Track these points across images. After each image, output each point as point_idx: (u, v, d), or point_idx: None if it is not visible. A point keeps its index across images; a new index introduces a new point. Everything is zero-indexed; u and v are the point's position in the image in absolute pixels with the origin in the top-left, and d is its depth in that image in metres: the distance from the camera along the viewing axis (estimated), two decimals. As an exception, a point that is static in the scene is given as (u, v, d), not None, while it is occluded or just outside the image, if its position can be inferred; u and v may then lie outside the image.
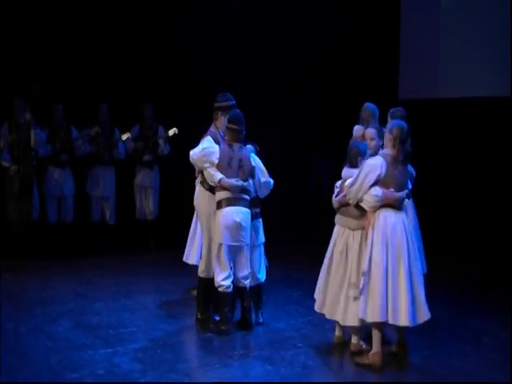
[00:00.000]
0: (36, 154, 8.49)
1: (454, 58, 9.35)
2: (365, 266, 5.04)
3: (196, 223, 6.43)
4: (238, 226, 5.70)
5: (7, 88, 8.56)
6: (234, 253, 5.78)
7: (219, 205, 5.75)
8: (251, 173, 5.81)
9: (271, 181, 5.91)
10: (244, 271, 5.81)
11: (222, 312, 5.79)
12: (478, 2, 9.20)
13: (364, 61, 10.08)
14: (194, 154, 5.82)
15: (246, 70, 9.73)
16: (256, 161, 5.86)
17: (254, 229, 5.91)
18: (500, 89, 8.72)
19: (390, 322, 4.99)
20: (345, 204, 5.28)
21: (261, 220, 6.07)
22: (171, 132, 8.76)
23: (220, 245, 5.75)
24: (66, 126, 8.91)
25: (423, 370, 5.11)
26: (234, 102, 5.96)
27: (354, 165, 5.32)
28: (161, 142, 9.13)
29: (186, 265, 6.63)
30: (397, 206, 5.10)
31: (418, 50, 9.78)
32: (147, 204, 9.38)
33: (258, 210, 6.00)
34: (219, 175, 5.72)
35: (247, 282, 5.86)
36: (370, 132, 5.67)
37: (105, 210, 9.29)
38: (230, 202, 5.72)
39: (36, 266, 8.11)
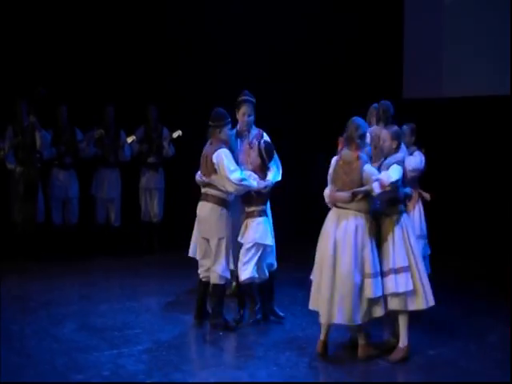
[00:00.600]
0: (41, 156, 8.55)
1: (458, 56, 9.35)
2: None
3: None
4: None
5: (11, 90, 8.61)
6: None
7: (251, 214, 5.87)
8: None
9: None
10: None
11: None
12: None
13: (368, 60, 10.09)
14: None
15: (252, 71, 9.75)
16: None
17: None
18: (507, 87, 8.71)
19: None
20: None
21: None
22: (176, 134, 8.87)
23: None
24: (70, 128, 8.95)
25: (427, 369, 5.14)
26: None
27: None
28: (165, 143, 9.17)
29: (191, 266, 6.61)
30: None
31: (422, 48, 9.78)
32: (152, 206, 9.41)
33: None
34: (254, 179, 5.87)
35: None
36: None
37: (110, 212, 9.30)
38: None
39: (41, 268, 8.14)
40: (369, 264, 5.02)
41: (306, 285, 6.23)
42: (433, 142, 8.02)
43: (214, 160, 5.67)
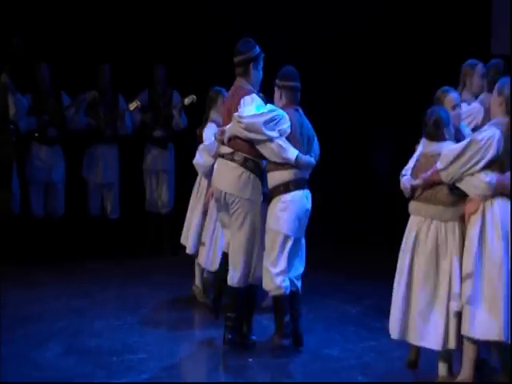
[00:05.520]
0: (16, 127, 8.57)
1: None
2: (470, 267, 5.06)
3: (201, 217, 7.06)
4: (307, 215, 5.98)
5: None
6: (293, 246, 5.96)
7: (286, 188, 5.89)
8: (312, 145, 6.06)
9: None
10: (299, 269, 6.00)
11: (281, 321, 5.91)
12: None
13: (453, 13, 10.04)
14: (253, 116, 5.78)
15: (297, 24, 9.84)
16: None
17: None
18: None
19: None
20: (430, 186, 5.25)
21: None
22: (188, 100, 8.84)
23: (286, 238, 5.90)
24: (54, 92, 9.02)
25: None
26: (259, 47, 6.10)
27: (437, 137, 5.32)
28: (175, 112, 9.24)
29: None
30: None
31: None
32: (160, 193, 9.52)
33: None
34: (295, 150, 5.86)
35: (300, 283, 6.03)
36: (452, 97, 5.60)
37: (105, 201, 9.41)
38: (300, 184, 5.93)
39: (17, 273, 8.17)
40: None
41: (361, 299, 6.40)
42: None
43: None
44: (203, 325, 6.78)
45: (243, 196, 5.85)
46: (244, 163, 5.84)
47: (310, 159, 5.95)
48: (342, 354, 6.01)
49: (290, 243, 5.88)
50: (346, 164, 10.14)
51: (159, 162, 9.44)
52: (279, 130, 5.78)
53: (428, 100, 5.64)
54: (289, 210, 5.87)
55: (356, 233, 9.98)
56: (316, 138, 6.11)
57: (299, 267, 6.00)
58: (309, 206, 5.96)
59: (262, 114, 5.75)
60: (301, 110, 6.03)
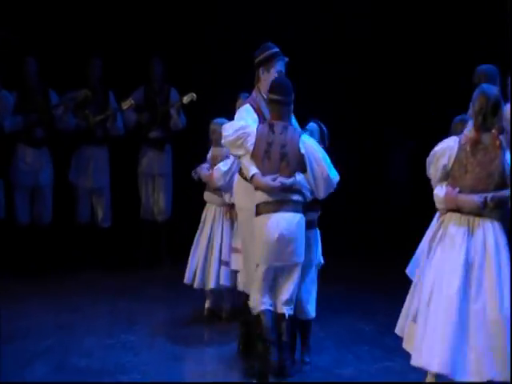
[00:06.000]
0: (0, 127, 8.52)
1: None
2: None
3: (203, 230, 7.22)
4: (283, 240, 5.72)
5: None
6: (277, 273, 5.85)
7: (257, 210, 5.82)
8: (301, 164, 5.78)
9: (335, 176, 5.87)
10: (286, 294, 5.85)
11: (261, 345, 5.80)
12: None
13: (477, 13, 9.95)
14: (227, 133, 5.90)
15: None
16: (309, 147, 5.81)
17: (307, 242, 5.90)
18: None
19: None
20: None
21: (317, 231, 6.15)
22: (188, 98, 8.73)
23: (257, 266, 5.85)
24: (42, 89, 8.88)
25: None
26: (277, 49, 6.06)
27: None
28: (174, 111, 9.09)
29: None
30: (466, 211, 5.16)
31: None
32: (156, 199, 9.43)
33: (314, 216, 6.04)
34: (253, 170, 5.78)
35: (288, 309, 5.87)
36: None
37: (96, 208, 9.32)
38: (269, 207, 5.75)
39: (2, 284, 8.05)
40: None
41: (376, 315, 6.75)
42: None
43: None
44: (202, 343, 6.74)
45: None
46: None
47: (270, 182, 5.70)
48: (355, 375, 6.00)
49: (260, 270, 5.78)
50: (360, 170, 10.07)
51: (155, 165, 9.34)
52: (243, 148, 5.83)
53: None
54: (255, 236, 5.82)
55: (369, 242, 10.01)
56: (316, 158, 5.82)
57: (286, 292, 5.83)
58: (281, 231, 5.70)
59: (231, 131, 5.86)
60: (291, 127, 5.87)
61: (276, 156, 5.73)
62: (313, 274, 6.05)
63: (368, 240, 10.15)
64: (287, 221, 5.70)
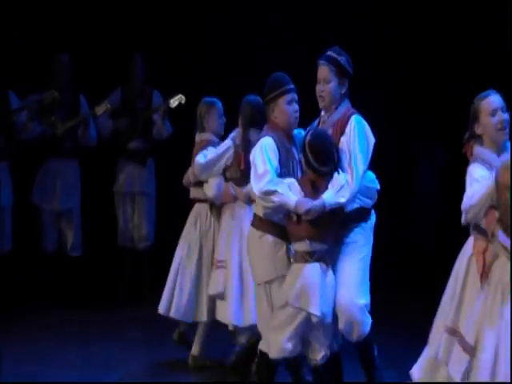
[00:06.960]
0: None
1: None
2: None
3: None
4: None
5: None
6: None
7: None
8: None
9: None
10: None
11: None
12: None
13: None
14: None
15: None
16: None
17: None
18: None
19: None
20: None
21: None
22: (175, 101, 8.56)
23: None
24: (1, 91, 8.64)
25: None
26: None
27: None
28: (157, 117, 8.92)
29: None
30: None
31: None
32: (136, 223, 9.26)
33: None
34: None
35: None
36: None
37: (65, 234, 9.09)
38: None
39: None
40: None
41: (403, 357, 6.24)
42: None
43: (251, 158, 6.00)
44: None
45: None
46: None
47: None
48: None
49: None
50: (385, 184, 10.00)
51: (136, 182, 9.13)
52: None
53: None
54: None
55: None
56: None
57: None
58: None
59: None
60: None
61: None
62: None
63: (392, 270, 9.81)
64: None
